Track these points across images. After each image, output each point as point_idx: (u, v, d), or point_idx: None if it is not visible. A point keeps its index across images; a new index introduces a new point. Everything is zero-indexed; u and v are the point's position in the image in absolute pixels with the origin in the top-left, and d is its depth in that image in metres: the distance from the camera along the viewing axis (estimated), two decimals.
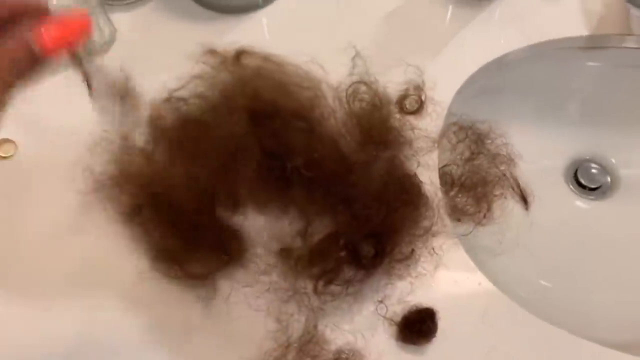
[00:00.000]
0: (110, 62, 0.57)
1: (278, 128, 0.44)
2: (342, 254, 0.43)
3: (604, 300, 0.58)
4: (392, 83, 0.53)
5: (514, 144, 0.60)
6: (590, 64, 0.62)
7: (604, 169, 0.67)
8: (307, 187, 0.45)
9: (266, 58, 0.51)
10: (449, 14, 0.60)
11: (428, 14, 0.60)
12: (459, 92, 0.55)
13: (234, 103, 0.45)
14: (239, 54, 0.50)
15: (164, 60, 0.57)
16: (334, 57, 0.54)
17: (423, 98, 0.52)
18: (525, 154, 0.64)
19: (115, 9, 0.61)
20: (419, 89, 0.52)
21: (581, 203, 0.66)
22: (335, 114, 0.49)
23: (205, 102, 0.46)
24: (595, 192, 0.66)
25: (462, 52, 0.57)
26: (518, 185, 0.52)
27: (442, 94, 0.53)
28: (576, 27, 0.59)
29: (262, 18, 0.61)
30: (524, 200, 0.52)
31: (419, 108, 0.51)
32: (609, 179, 0.67)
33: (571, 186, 0.66)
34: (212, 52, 0.52)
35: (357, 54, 0.53)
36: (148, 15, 0.61)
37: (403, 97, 0.52)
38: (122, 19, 0.61)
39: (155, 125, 0.47)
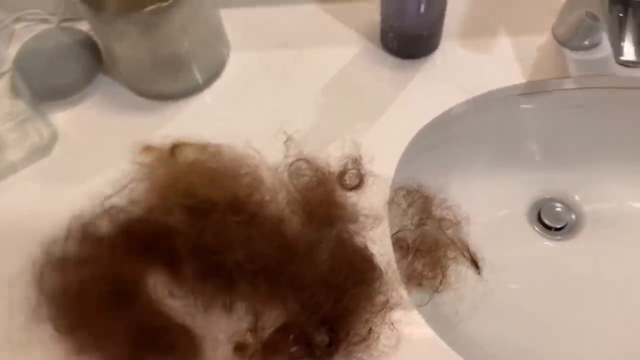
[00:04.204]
0: (53, 164, 0.58)
1: (215, 223, 0.43)
2: (294, 349, 0.42)
3: (589, 347, 0.56)
4: (332, 158, 0.53)
5: (470, 196, 0.60)
6: (535, 108, 0.62)
7: (568, 207, 0.66)
8: (251, 280, 0.44)
9: (202, 148, 0.51)
10: (385, 79, 0.60)
11: (364, 83, 0.60)
12: (404, 155, 0.54)
13: (169, 203, 0.44)
14: (174, 148, 0.50)
15: (106, 159, 0.56)
16: (271, 138, 0.54)
17: (362, 171, 0.51)
18: (484, 203, 0.64)
19: (55, 108, 0.61)
20: (357, 162, 0.51)
21: (549, 243, 0.65)
22: (276, 196, 0.49)
23: (140, 206, 0.46)
24: (561, 231, 0.65)
25: (403, 115, 0.57)
26: (467, 250, 0.51)
27: (385, 161, 0.53)
28: (514, 75, 0.59)
29: (204, 100, 0.61)
30: (475, 264, 0.51)
31: (360, 182, 0.50)
32: (573, 217, 0.66)
33: (537, 228, 0.66)
34: (147, 148, 0.52)
35: (289, 138, 0.53)
36: (88, 112, 0.61)
37: (343, 173, 0.51)
38: (62, 118, 0.60)
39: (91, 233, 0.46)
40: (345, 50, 0.62)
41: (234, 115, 0.59)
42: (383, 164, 0.52)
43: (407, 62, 0.61)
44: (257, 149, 0.52)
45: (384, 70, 0.60)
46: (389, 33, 0.60)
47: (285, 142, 0.52)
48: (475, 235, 0.55)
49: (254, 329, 0.44)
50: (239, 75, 0.62)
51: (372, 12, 0.62)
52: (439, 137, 0.58)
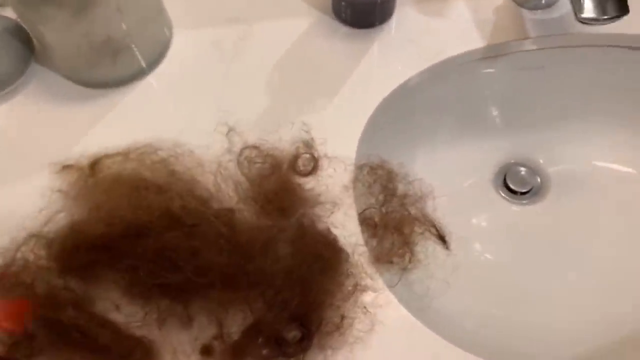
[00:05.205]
0: None
1: (152, 245, 0.40)
2: (265, 351, 0.40)
3: (562, 312, 0.56)
4: (284, 142, 0.50)
5: (435, 167, 0.58)
6: (495, 72, 0.60)
7: (533, 170, 0.66)
8: (206, 291, 0.41)
9: (124, 156, 0.47)
10: (339, 52, 0.57)
11: (317, 57, 0.57)
12: (365, 132, 0.52)
13: (97, 231, 0.41)
14: (93, 165, 0.47)
15: (45, 156, 0.52)
16: (221, 124, 0.51)
17: (316, 155, 0.49)
18: (450, 173, 0.63)
19: None
20: (309, 145, 0.49)
21: (516, 208, 0.64)
22: (222, 193, 0.46)
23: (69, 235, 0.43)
24: (527, 195, 0.65)
25: (360, 89, 0.54)
26: (433, 225, 0.49)
27: (345, 139, 0.51)
28: (473, 39, 0.57)
29: (150, 85, 0.57)
30: (442, 239, 0.49)
31: (315, 166, 0.48)
32: (538, 180, 0.65)
33: (502, 193, 0.65)
34: (67, 167, 0.48)
35: (232, 128, 0.50)
36: (23, 105, 0.56)
37: (296, 157, 0.48)
38: None
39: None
40: (295, 22, 0.59)
41: (180, 101, 0.55)
42: (344, 143, 0.50)
43: (361, 31, 0.58)
44: (204, 138, 0.49)
45: (337, 42, 0.57)
46: (341, 1, 0.57)
47: (229, 131, 0.49)
48: (443, 207, 0.54)
49: (219, 336, 0.41)
50: (184, 56, 0.58)
51: None
52: (400, 109, 0.56)
